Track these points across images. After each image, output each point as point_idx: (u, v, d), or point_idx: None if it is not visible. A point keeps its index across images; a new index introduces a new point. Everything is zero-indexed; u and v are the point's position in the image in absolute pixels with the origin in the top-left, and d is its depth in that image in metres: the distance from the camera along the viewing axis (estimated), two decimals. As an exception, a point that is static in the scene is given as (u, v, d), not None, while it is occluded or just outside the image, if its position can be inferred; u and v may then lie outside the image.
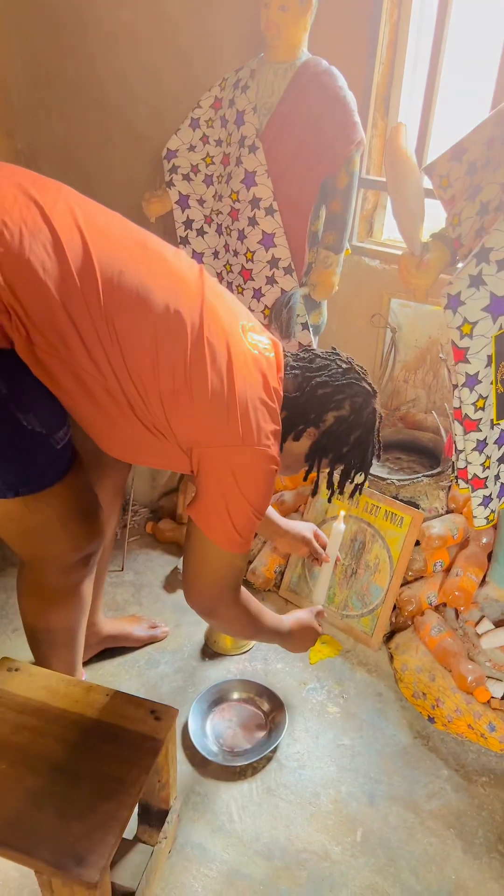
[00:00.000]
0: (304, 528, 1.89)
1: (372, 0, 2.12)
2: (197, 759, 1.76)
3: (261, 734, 1.82)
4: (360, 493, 1.56)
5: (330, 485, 1.51)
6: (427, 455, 2.39)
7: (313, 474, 1.50)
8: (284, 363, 1.45)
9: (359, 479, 1.52)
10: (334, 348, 1.53)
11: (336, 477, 1.50)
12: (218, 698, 1.91)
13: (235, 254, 2.18)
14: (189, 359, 1.24)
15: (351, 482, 1.52)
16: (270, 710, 1.88)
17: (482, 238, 1.45)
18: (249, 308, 2.20)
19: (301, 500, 2.39)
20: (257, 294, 2.18)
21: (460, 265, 1.48)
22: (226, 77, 2.11)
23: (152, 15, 2.52)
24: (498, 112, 1.59)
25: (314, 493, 1.57)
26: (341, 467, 1.48)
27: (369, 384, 1.47)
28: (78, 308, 1.17)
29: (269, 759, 1.78)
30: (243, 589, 1.49)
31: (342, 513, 1.86)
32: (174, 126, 2.21)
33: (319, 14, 1.99)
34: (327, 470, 1.49)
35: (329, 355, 1.50)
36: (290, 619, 1.72)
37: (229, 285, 2.26)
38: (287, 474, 1.53)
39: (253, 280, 2.16)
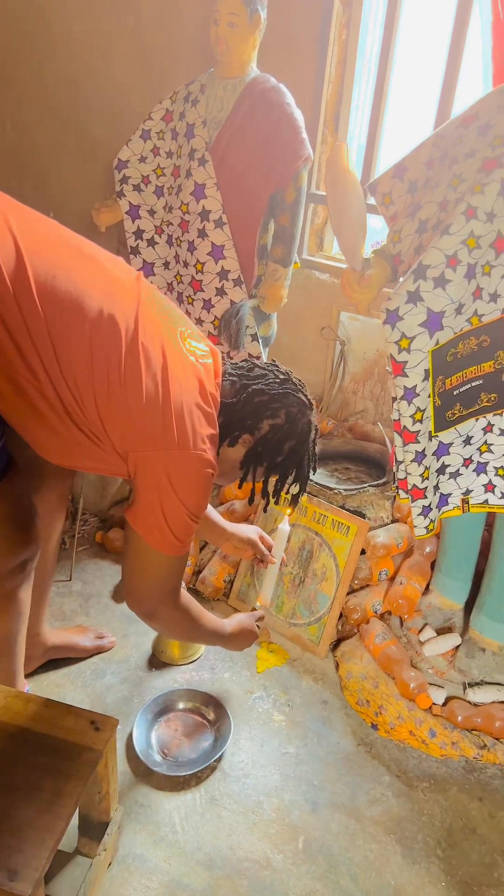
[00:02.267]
0: (250, 530, 1.91)
1: (320, 20, 2.17)
2: (141, 770, 1.75)
3: (206, 744, 1.82)
4: (296, 504, 1.58)
5: (265, 494, 1.53)
6: (374, 465, 2.43)
7: (248, 482, 1.52)
8: (223, 370, 1.48)
9: (294, 489, 1.54)
10: (274, 361, 1.57)
11: (271, 486, 1.51)
12: (164, 708, 1.90)
13: (186, 265, 2.20)
14: (123, 363, 1.25)
15: (287, 492, 1.54)
16: (216, 719, 1.89)
17: (420, 255, 1.49)
18: (199, 319, 2.22)
19: (252, 510, 2.41)
20: (207, 305, 2.19)
21: (401, 280, 1.52)
22: (177, 90, 2.13)
23: (107, 25, 2.54)
24: (437, 134, 1.65)
25: (250, 500, 1.58)
26: (276, 476, 1.50)
27: (306, 396, 1.49)
28: (10, 311, 1.17)
29: (213, 768, 1.78)
30: (184, 591, 1.50)
31: (286, 514, 1.89)
32: (129, 134, 2.22)
33: (269, 32, 2.03)
34: (263, 478, 1.51)
35: (268, 366, 1.52)
36: (231, 621, 1.75)
37: (179, 296, 2.27)
38: (223, 482, 1.54)
39: (203, 291, 2.18)
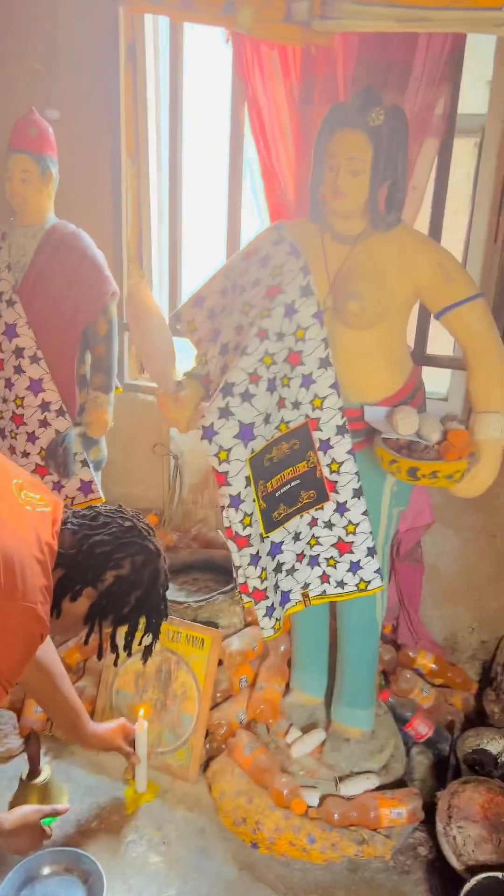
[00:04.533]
0: (114, 732, 1.89)
1: (111, 171, 2.38)
2: None
3: None
4: (149, 655, 1.54)
5: (114, 647, 1.48)
6: (222, 572, 2.47)
7: (95, 636, 1.45)
8: (64, 518, 1.42)
9: (147, 640, 1.49)
10: (120, 505, 1.53)
11: (121, 639, 1.46)
12: (27, 877, 1.72)
13: (5, 401, 2.20)
14: None
15: (139, 643, 1.49)
16: (87, 877, 1.73)
17: (226, 375, 1.61)
18: (24, 451, 2.21)
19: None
20: (31, 437, 2.19)
21: (211, 398, 1.63)
22: (-22, 239, 2.21)
23: None
24: (226, 266, 1.83)
25: (99, 656, 1.50)
26: (124, 628, 1.45)
27: (154, 544, 1.45)
28: None
29: (91, 935, 1.62)
30: None
31: (141, 711, 1.92)
32: None
33: (67, 182, 2.18)
34: (109, 630, 1.45)
35: (113, 512, 1.48)
36: (10, 816, 1.59)
37: (2, 431, 2.26)
38: (67, 637, 1.48)
39: (26, 424, 2.18)
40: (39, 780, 1.86)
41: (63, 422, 2.17)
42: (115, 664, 1.78)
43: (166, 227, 2.44)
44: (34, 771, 1.86)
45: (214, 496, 2.66)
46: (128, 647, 1.48)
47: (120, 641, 1.47)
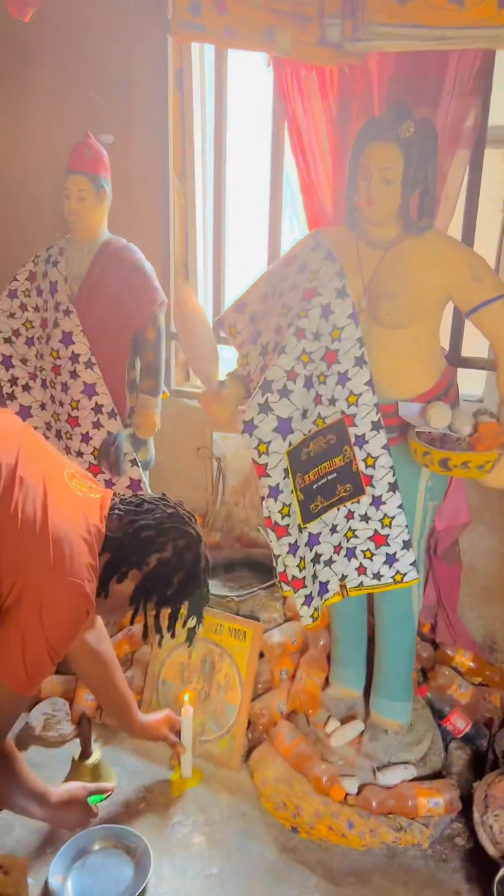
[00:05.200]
0: (160, 723, 1.99)
1: (160, 189, 2.54)
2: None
3: (126, 881, 1.75)
4: (193, 638, 1.60)
5: (158, 628, 1.54)
6: (263, 570, 2.55)
7: (140, 616, 1.52)
8: (111, 505, 1.50)
9: (191, 622, 1.56)
10: (164, 494, 1.62)
11: (164, 620, 1.52)
12: (78, 852, 1.82)
13: (61, 404, 2.35)
14: (0, 491, 1.32)
15: (184, 626, 1.54)
16: (135, 853, 1.82)
17: (265, 373, 1.72)
18: (79, 451, 2.36)
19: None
20: (85, 438, 2.34)
21: (252, 395, 1.74)
22: (38, 254, 2.38)
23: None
24: (267, 273, 1.95)
25: (144, 636, 1.58)
26: (168, 610, 1.51)
27: (195, 530, 1.52)
28: None
29: (137, 906, 1.71)
30: (10, 743, 1.44)
31: (186, 696, 2.01)
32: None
33: (119, 200, 2.34)
34: (153, 612, 1.52)
35: (156, 500, 1.55)
36: (59, 790, 1.66)
37: (58, 432, 2.41)
38: (115, 617, 1.55)
39: (80, 426, 2.33)
40: (90, 761, 1.96)
41: (114, 423, 2.31)
42: (159, 645, 1.86)
43: (211, 241, 2.59)
44: (85, 752, 1.97)
45: (255, 498, 2.76)
46: (171, 628, 1.53)
47: (164, 623, 1.53)
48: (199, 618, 1.58)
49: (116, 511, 1.49)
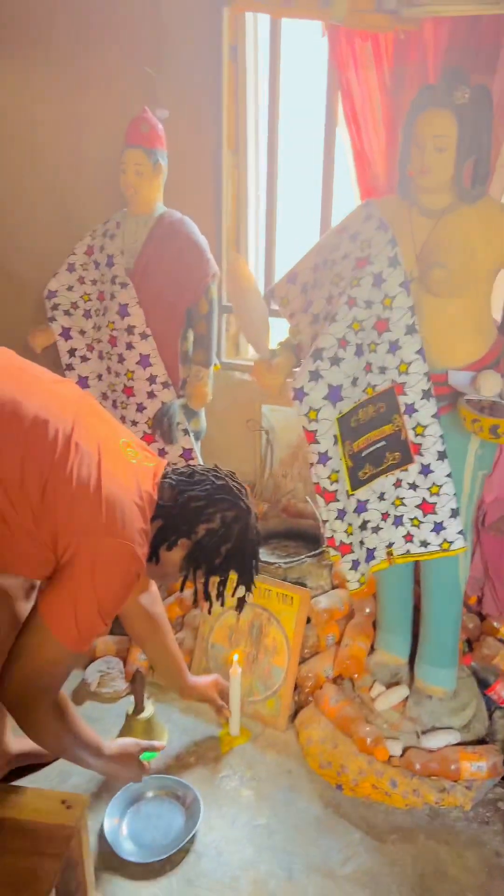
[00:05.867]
0: (210, 686, 2.10)
1: (212, 164, 2.57)
2: (115, 863, 1.75)
3: (178, 827, 1.84)
4: (243, 606, 1.62)
5: (207, 596, 1.57)
6: (310, 540, 2.60)
7: (190, 583, 1.56)
8: (164, 474, 1.54)
9: (240, 592, 1.59)
10: (216, 465, 1.65)
11: (213, 588, 1.56)
12: (133, 798, 1.92)
13: (117, 374, 2.43)
14: (57, 456, 1.35)
15: (233, 595, 1.58)
16: (186, 802, 1.91)
17: (316, 341, 1.75)
18: (133, 420, 2.43)
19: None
20: (140, 407, 2.42)
21: (303, 363, 1.77)
22: (95, 228, 2.46)
23: (29, 181, 2.91)
24: (318, 245, 1.97)
25: (194, 602, 1.64)
26: (216, 579, 1.55)
27: (244, 502, 1.53)
28: None
29: (187, 850, 1.79)
30: (64, 696, 1.48)
31: (236, 656, 2.07)
32: (52, 272, 2.51)
33: (174, 174, 2.38)
34: (204, 580, 1.55)
35: (208, 471, 1.58)
36: (112, 744, 1.71)
37: (114, 402, 2.49)
38: (166, 583, 1.60)
39: (135, 396, 2.41)
40: (143, 715, 2.05)
41: (168, 393, 2.38)
42: (209, 612, 1.92)
43: (263, 214, 2.62)
44: (139, 707, 2.06)
45: (303, 470, 2.80)
46: (220, 596, 1.56)
47: (214, 592, 1.57)
48: (249, 588, 1.60)
49: (168, 480, 1.53)
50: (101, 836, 1.80)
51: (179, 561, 1.52)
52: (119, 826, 1.83)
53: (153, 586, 1.91)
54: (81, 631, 1.35)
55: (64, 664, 1.41)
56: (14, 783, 1.49)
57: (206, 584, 1.55)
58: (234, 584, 1.58)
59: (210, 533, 1.49)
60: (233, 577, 1.58)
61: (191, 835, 1.80)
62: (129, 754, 1.76)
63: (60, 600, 1.35)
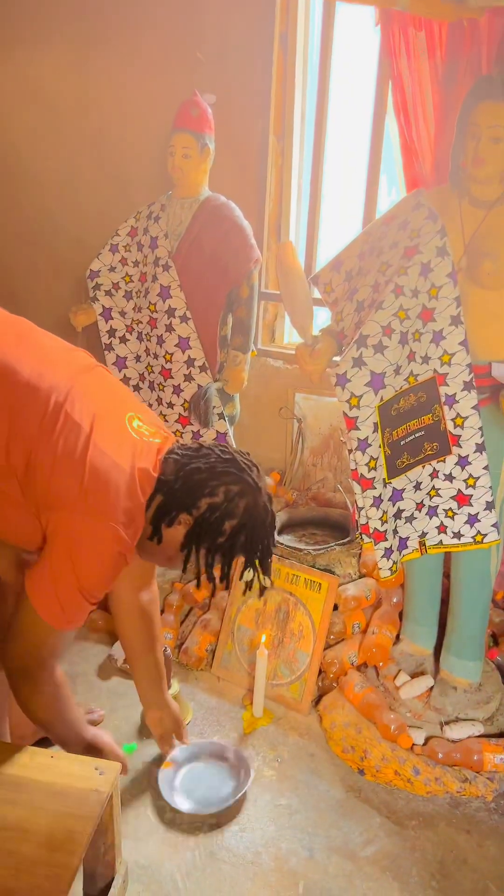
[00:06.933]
0: (177, 723, 1.95)
1: (258, 148, 2.57)
2: (142, 831, 1.79)
3: (222, 796, 1.88)
4: (263, 592, 1.52)
5: (210, 578, 1.45)
6: (338, 529, 2.62)
7: (193, 564, 1.45)
8: (170, 449, 1.45)
9: (248, 575, 1.47)
10: (228, 443, 1.61)
11: (217, 570, 1.44)
12: (194, 754, 1.98)
13: (155, 356, 2.45)
14: (43, 424, 1.31)
15: (240, 578, 1.47)
16: (235, 765, 1.96)
17: (360, 328, 1.76)
18: (170, 402, 2.46)
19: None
20: (177, 390, 2.44)
21: (346, 349, 1.78)
22: (140, 210, 2.48)
23: (74, 161, 2.93)
24: (365, 232, 1.97)
25: (197, 584, 1.49)
26: (219, 558, 1.43)
27: (252, 478, 1.42)
28: None
29: (211, 825, 1.83)
30: (60, 672, 1.45)
31: (263, 637, 2.08)
32: (92, 254, 2.53)
33: (220, 158, 2.40)
34: (207, 561, 1.44)
35: (215, 445, 1.48)
36: (92, 731, 1.62)
37: (151, 384, 2.52)
38: (171, 566, 1.50)
39: (172, 378, 2.43)
40: (170, 692, 2.09)
41: (205, 377, 2.40)
42: (212, 595, 1.82)
43: (306, 202, 2.63)
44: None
45: (333, 460, 2.81)
46: (224, 578, 1.45)
47: (216, 573, 1.45)
48: (258, 571, 1.47)
49: (173, 455, 1.44)
50: (133, 795, 1.86)
51: (181, 538, 1.43)
52: (176, 772, 1.91)
53: (154, 585, 1.82)
54: (66, 611, 1.32)
55: (53, 640, 1.38)
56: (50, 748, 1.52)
57: (209, 566, 1.43)
58: (241, 567, 1.46)
59: (212, 507, 1.39)
60: (240, 559, 1.46)
61: (243, 791, 1.86)
62: (99, 749, 1.62)
63: (41, 578, 1.32)
